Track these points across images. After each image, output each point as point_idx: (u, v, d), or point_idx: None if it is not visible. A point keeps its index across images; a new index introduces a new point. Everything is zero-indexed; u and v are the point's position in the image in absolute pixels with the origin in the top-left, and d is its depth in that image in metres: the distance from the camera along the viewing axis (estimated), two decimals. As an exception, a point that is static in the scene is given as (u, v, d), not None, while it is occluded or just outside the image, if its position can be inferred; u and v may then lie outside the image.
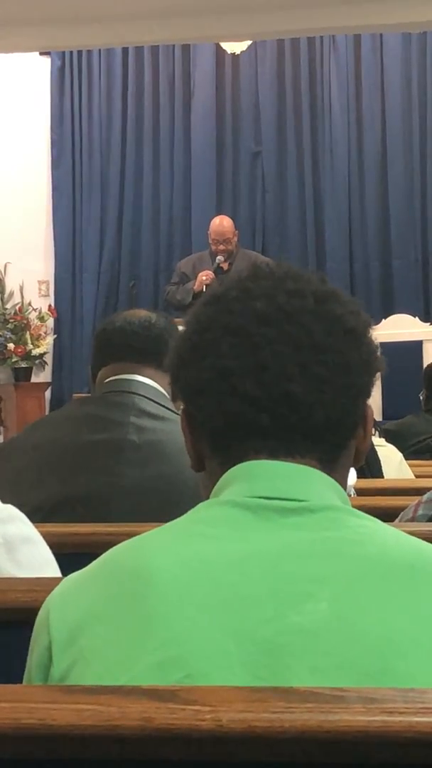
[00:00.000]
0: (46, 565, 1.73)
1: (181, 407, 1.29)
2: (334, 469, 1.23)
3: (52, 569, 1.74)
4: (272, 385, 1.19)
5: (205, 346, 1.23)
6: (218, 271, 7.92)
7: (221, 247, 8.15)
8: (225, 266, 8.00)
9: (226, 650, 1.05)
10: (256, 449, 1.20)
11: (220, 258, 8.07)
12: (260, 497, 1.16)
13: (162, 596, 1.09)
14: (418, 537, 1.18)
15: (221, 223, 8.32)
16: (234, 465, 1.21)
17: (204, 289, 7.64)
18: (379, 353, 1.27)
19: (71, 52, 9.60)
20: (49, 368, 9.70)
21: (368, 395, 1.26)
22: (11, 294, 9.60)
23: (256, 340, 1.20)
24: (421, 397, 5.08)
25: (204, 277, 7.86)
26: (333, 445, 1.23)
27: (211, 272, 7.90)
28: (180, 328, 1.40)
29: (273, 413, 1.19)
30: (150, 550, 1.15)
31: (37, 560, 1.72)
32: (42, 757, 0.98)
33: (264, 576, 1.09)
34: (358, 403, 1.24)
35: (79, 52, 9.63)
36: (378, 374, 1.27)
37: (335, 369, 1.20)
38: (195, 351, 1.24)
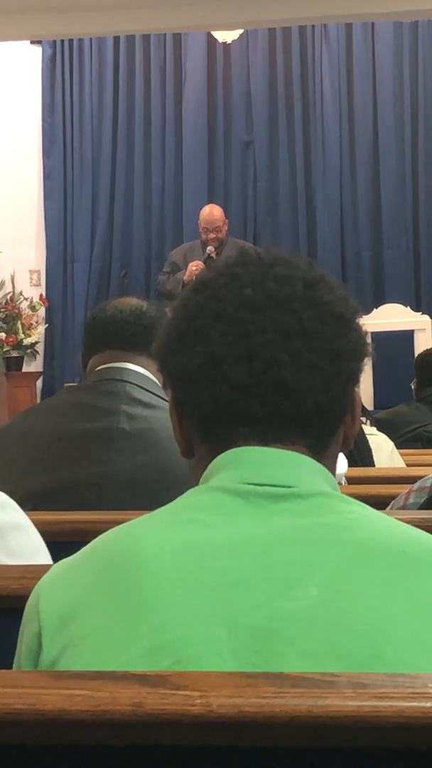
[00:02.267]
0: (38, 552, 1.73)
1: (170, 394, 1.29)
2: (324, 455, 1.23)
3: (44, 556, 1.74)
4: (262, 372, 1.18)
5: (194, 333, 1.22)
6: (208, 261, 7.91)
7: (211, 235, 8.15)
8: (214, 256, 8.00)
9: (217, 636, 1.05)
10: (245, 436, 1.20)
11: (210, 248, 8.06)
12: (250, 483, 1.16)
13: (152, 582, 1.09)
14: (409, 524, 1.18)
15: (211, 211, 8.32)
16: (223, 451, 1.21)
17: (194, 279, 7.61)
18: (368, 339, 1.27)
19: (62, 41, 9.59)
20: (40, 357, 9.70)
21: (357, 381, 1.26)
22: (2, 283, 9.59)
23: (245, 327, 1.20)
24: (413, 386, 5.09)
25: (194, 268, 7.86)
26: (323, 431, 1.23)
27: (200, 262, 7.90)
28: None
29: (263, 400, 1.19)
30: (140, 536, 1.15)
31: (28, 547, 1.72)
32: (32, 743, 0.98)
33: (254, 562, 1.09)
34: (348, 390, 1.24)
35: (71, 41, 9.61)
36: (367, 360, 1.27)
37: (325, 356, 1.20)
38: (184, 338, 1.24)
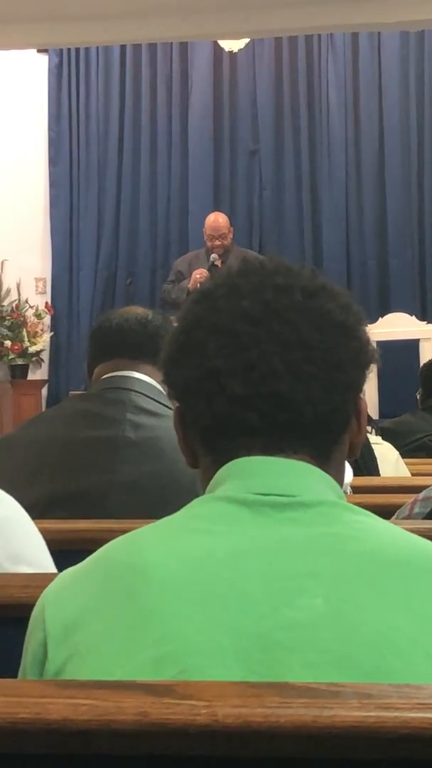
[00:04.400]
0: (29, 540, 1.74)
1: (175, 404, 1.29)
2: (328, 464, 1.23)
3: (37, 541, 1.75)
4: (260, 384, 1.19)
5: (193, 345, 1.23)
6: (212, 269, 7.93)
7: (217, 242, 8.17)
8: (219, 264, 8.01)
9: (221, 645, 1.05)
10: (247, 447, 1.20)
11: (214, 256, 8.08)
12: (256, 493, 1.16)
13: (157, 592, 1.09)
14: (415, 534, 1.18)
15: (216, 218, 8.34)
16: (226, 462, 1.21)
17: (198, 287, 7.63)
18: (372, 346, 1.26)
19: (69, 50, 9.61)
20: (45, 365, 9.71)
21: (359, 390, 1.25)
22: (8, 291, 9.60)
23: (243, 339, 1.20)
24: (418, 396, 5.08)
25: (198, 275, 7.88)
26: (325, 440, 1.23)
27: (205, 270, 7.92)
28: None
29: (261, 412, 1.19)
30: (145, 546, 1.15)
31: (20, 534, 1.73)
32: (37, 752, 0.98)
33: (259, 571, 1.09)
34: (348, 399, 1.23)
35: (77, 50, 9.63)
36: (372, 366, 1.27)
37: (324, 366, 1.20)
38: (183, 350, 1.25)
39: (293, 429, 1.20)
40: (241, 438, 1.20)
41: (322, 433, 1.22)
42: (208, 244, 8.26)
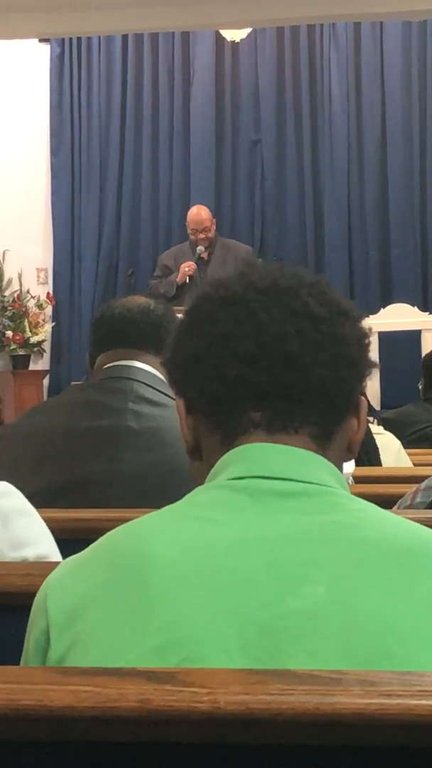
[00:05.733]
0: (42, 537, 1.74)
1: (177, 388, 1.30)
2: (329, 446, 1.23)
3: (48, 541, 1.75)
4: (270, 345, 1.20)
5: (203, 317, 1.26)
6: (199, 261, 8.01)
7: (201, 235, 8.25)
8: (205, 256, 8.11)
9: (224, 633, 1.05)
10: (254, 422, 1.21)
11: (200, 248, 8.18)
12: (257, 477, 1.17)
13: (160, 580, 1.09)
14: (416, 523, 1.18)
15: (198, 212, 8.41)
16: (233, 439, 1.21)
17: (187, 281, 7.75)
18: (370, 360, 1.29)
19: (71, 39, 9.59)
20: (47, 356, 9.71)
21: (363, 370, 1.27)
22: (10, 281, 9.60)
23: (252, 306, 1.23)
24: (420, 386, 5.08)
25: (186, 268, 7.94)
26: (328, 417, 1.23)
27: (193, 263, 7.97)
28: (179, 315, 1.41)
29: (271, 373, 1.20)
30: (148, 534, 1.15)
31: (32, 532, 1.73)
32: (39, 739, 0.98)
33: (262, 559, 1.09)
34: (353, 375, 1.25)
35: (79, 39, 9.62)
36: (368, 373, 1.28)
37: (331, 337, 1.22)
38: (191, 324, 1.27)
39: (300, 393, 1.20)
40: (248, 406, 1.21)
41: (326, 405, 1.22)
42: (192, 237, 8.34)
